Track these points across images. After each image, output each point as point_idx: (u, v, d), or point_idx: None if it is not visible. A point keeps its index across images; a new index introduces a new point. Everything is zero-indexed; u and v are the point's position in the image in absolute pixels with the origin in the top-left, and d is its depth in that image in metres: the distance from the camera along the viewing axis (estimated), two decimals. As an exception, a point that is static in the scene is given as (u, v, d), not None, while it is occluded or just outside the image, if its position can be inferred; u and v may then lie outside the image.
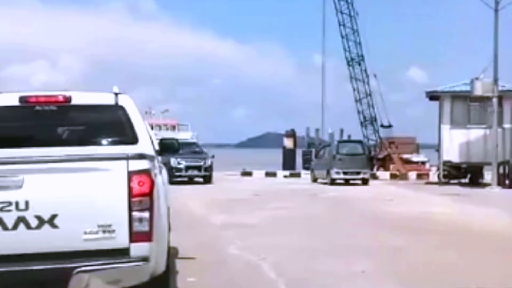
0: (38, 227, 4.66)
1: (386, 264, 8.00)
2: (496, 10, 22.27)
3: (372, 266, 7.75)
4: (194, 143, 30.12)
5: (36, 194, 4.70)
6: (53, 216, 4.67)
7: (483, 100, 23.10)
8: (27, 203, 4.65)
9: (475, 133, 24.18)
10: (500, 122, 23.11)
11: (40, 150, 4.91)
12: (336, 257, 8.41)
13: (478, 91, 22.25)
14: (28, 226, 4.65)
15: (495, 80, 22.21)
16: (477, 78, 22.38)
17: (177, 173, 25.05)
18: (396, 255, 8.57)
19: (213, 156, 27.15)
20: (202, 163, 25.95)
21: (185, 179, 25.73)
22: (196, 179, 26.51)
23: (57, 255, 4.67)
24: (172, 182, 22.75)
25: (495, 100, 22.26)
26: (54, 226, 4.67)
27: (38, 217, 4.66)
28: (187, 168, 25.71)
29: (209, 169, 26.18)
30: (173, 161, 24.94)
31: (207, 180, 25.98)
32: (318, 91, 41.62)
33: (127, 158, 4.84)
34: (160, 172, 6.12)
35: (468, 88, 23.02)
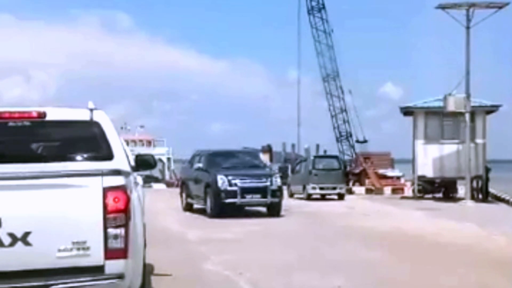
0: (11, 244, 4.60)
1: (362, 278, 8.04)
2: (467, 28, 22.70)
3: (348, 281, 7.78)
4: (249, 152, 20.61)
5: (9, 211, 4.64)
6: (27, 234, 4.62)
7: (456, 115, 23.46)
8: (-1, 220, 4.60)
9: (449, 148, 24.50)
10: (472, 137, 23.46)
11: (13, 166, 4.86)
12: (313, 272, 8.42)
13: (451, 106, 22.59)
14: (1, 244, 4.59)
15: (468, 96, 22.57)
16: (450, 94, 22.72)
17: (228, 200, 16.17)
18: (372, 270, 8.61)
19: (285, 170, 18.41)
20: (267, 183, 16.50)
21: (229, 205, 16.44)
22: (253, 207, 17.55)
23: (30, 273, 4.62)
24: (218, 213, 15.76)
25: (467, 115, 22.62)
26: (27, 243, 4.62)
27: (11, 235, 4.61)
28: (245, 191, 16.31)
29: (278, 193, 16.71)
30: (221, 181, 16.29)
31: (275, 211, 16.65)
32: (294, 106, 41.94)
33: (102, 174, 4.82)
34: (136, 187, 6.09)
35: (441, 103, 23.35)
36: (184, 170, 19.87)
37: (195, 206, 18.19)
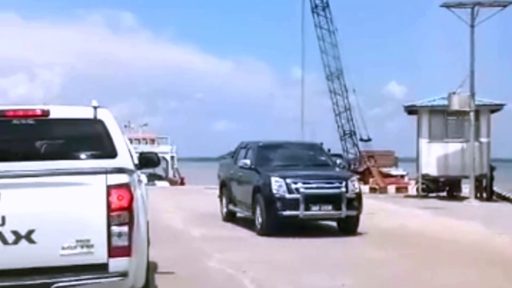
0: (15, 242, 4.61)
1: (366, 277, 8.03)
2: (472, 26, 22.63)
3: (351, 280, 7.78)
4: (312, 145, 15.57)
5: (13, 209, 4.65)
6: (30, 231, 4.62)
7: (460, 114, 23.39)
8: (3, 218, 4.61)
9: (453, 146, 24.43)
10: (477, 136, 23.39)
11: (17, 164, 4.87)
12: (317, 271, 8.42)
13: (455, 105, 22.53)
14: (5, 242, 4.60)
15: (472, 95, 22.50)
16: (454, 93, 22.66)
17: (287, 212, 11.77)
18: (375, 269, 8.59)
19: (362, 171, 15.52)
20: (342, 189, 12.04)
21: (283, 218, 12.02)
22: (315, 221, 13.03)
23: (34, 270, 4.63)
24: (272, 229, 11.68)
25: (472, 114, 22.55)
26: (31, 241, 4.62)
27: (15, 232, 4.61)
28: (310, 200, 11.83)
29: (357, 203, 12.24)
30: (277, 184, 11.95)
31: (350, 227, 12.33)
32: (298, 104, 41.73)
33: (106, 172, 4.82)
34: (140, 185, 6.09)
35: (445, 102, 23.29)
36: (225, 167, 15.34)
37: (239, 215, 14.12)
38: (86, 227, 4.71)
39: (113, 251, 4.71)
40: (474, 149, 22.75)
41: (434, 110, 24.75)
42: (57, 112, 5.24)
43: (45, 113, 5.17)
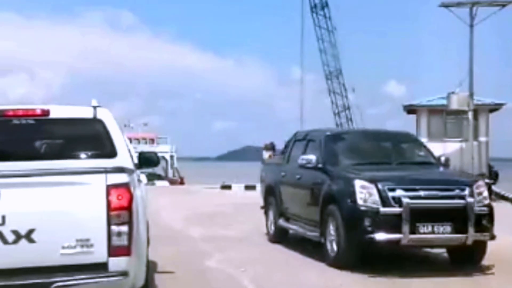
0: (15, 242, 4.63)
1: (363, 278, 8.04)
2: (471, 26, 22.68)
3: (350, 280, 7.79)
4: (404, 135, 10.80)
5: (13, 208, 4.67)
6: (30, 231, 4.64)
7: (459, 113, 23.46)
8: (3, 217, 4.63)
9: (452, 146, 24.49)
10: (475, 136, 23.46)
11: (17, 164, 4.88)
12: (316, 271, 8.42)
13: (454, 105, 22.61)
14: (5, 241, 4.62)
15: (471, 94, 22.57)
16: (453, 92, 22.74)
17: (382, 235, 7.73)
18: (374, 270, 8.60)
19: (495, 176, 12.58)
20: (468, 200, 7.89)
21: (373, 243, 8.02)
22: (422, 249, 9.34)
23: (34, 270, 4.64)
24: (354, 260, 8.05)
25: (470, 113, 22.61)
26: (31, 240, 4.64)
27: (15, 232, 4.63)
28: (420, 216, 7.69)
29: (488, 221, 8.13)
30: (364, 191, 7.89)
31: (474, 255, 8.31)
32: (297, 104, 41.77)
33: (106, 171, 4.83)
34: (139, 185, 6.11)
35: (444, 102, 23.38)
36: (272, 167, 11.48)
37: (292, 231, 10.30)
38: (86, 226, 4.73)
39: (113, 251, 4.73)
40: (473, 149, 22.81)
41: (433, 110, 24.82)
42: (57, 111, 5.26)
43: (45, 112, 5.19)
